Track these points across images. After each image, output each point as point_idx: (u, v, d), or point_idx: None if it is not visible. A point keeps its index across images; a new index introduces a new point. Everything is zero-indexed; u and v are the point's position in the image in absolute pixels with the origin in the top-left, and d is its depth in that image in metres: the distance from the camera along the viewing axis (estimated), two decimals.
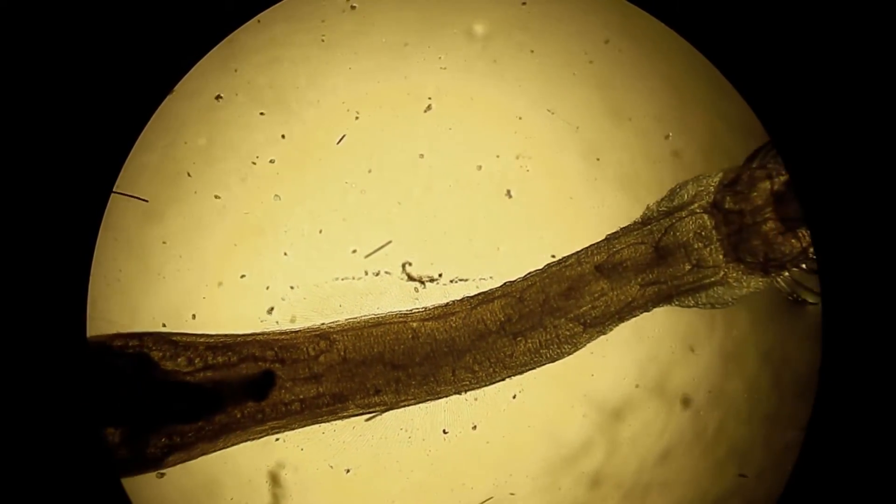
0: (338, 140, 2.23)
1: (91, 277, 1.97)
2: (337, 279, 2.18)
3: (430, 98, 2.23)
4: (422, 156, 2.24)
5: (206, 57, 2.08)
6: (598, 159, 2.23)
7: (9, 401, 1.84)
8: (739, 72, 2.02)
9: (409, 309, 2.08)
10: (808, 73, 1.93)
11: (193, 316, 2.18)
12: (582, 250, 2.07)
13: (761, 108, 2.01)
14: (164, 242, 2.21)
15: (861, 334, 1.88)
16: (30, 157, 1.88)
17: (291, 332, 2.07)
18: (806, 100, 1.93)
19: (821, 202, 1.91)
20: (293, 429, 2.05)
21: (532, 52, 2.23)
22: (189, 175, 2.20)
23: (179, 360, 2.01)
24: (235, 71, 2.21)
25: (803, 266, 2.03)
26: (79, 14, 1.92)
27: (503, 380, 2.08)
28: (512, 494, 2.24)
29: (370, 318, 2.07)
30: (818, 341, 2.02)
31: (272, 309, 2.19)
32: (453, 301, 2.07)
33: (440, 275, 2.19)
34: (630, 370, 2.26)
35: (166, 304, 2.19)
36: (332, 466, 2.17)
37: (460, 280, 2.17)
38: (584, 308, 2.05)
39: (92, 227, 1.96)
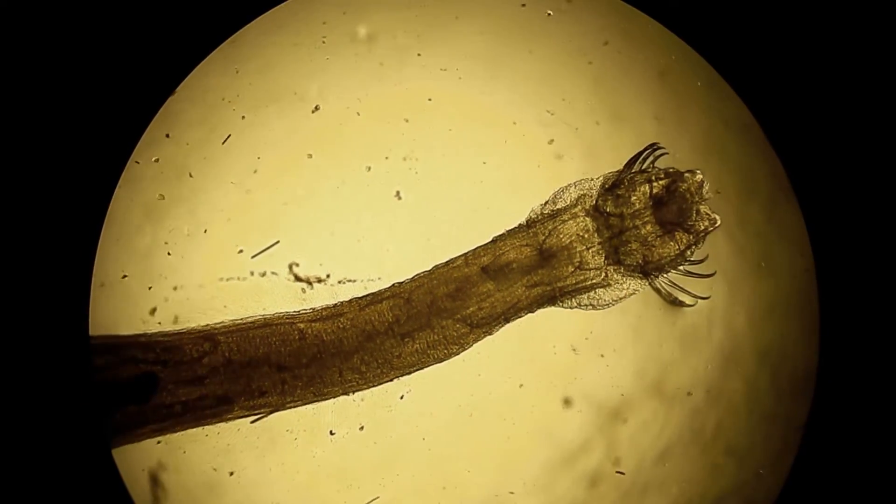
0: (223, 140, 2.21)
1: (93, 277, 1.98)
2: (222, 279, 2.15)
3: (316, 103, 2.23)
4: (310, 156, 2.23)
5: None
6: (484, 162, 2.26)
7: (10, 399, 1.83)
8: (737, 72, 2.06)
9: (296, 310, 2.07)
10: (805, 74, 1.97)
11: None
12: (469, 252, 2.10)
13: (759, 108, 2.06)
14: None
15: (860, 334, 1.93)
16: (30, 157, 1.88)
17: (174, 333, 2.05)
18: (803, 100, 1.96)
19: (819, 201, 1.95)
20: (175, 431, 2.03)
21: (419, 55, 2.24)
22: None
23: None
24: None
25: (680, 269, 2.09)
26: (79, 15, 1.91)
27: (391, 380, 2.09)
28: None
29: (256, 319, 2.06)
30: (816, 341, 2.08)
31: (155, 310, 2.15)
32: (341, 302, 2.08)
33: (328, 275, 2.18)
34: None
35: None
36: (215, 469, 2.15)
37: (348, 281, 2.17)
38: (471, 309, 2.07)
39: (94, 227, 1.98)
